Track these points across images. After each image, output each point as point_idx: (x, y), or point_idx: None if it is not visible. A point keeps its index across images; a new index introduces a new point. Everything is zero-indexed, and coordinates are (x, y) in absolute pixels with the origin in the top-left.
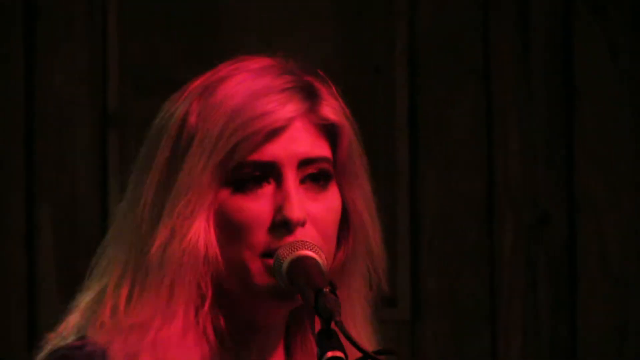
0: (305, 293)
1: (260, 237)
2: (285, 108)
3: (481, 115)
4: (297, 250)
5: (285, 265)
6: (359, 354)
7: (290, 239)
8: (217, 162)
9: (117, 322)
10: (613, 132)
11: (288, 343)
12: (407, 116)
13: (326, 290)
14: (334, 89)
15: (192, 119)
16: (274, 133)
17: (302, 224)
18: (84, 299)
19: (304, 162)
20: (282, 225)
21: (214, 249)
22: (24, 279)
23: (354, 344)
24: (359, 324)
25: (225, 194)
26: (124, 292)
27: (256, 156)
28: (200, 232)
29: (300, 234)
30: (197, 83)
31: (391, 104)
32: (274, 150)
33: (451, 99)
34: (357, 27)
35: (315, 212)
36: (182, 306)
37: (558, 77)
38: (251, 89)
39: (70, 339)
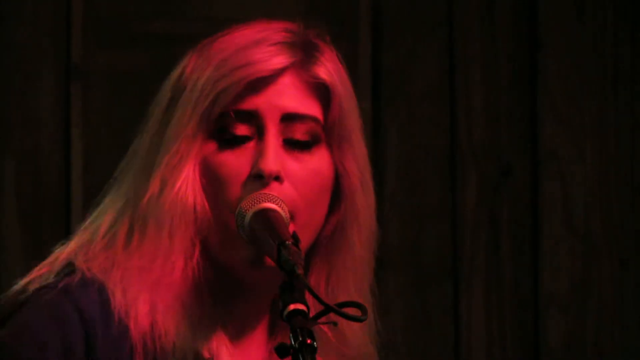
0: (268, 246)
1: (236, 192)
2: (272, 60)
3: (444, 69)
4: (259, 202)
5: (247, 217)
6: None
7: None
8: (201, 111)
9: (115, 259)
10: (577, 87)
11: (274, 322)
12: (369, 70)
13: (289, 242)
14: (336, 54)
15: (187, 72)
16: (259, 84)
17: (278, 178)
18: (76, 239)
19: (288, 117)
20: (256, 178)
21: (202, 199)
22: None
23: (316, 296)
24: (353, 291)
25: (209, 147)
26: (121, 234)
27: (238, 105)
28: (189, 182)
29: (275, 189)
30: (204, 41)
31: (354, 56)
32: (256, 100)
33: (414, 54)
34: None
35: (295, 170)
36: (181, 256)
37: (522, 32)
38: (244, 42)
39: (59, 272)
